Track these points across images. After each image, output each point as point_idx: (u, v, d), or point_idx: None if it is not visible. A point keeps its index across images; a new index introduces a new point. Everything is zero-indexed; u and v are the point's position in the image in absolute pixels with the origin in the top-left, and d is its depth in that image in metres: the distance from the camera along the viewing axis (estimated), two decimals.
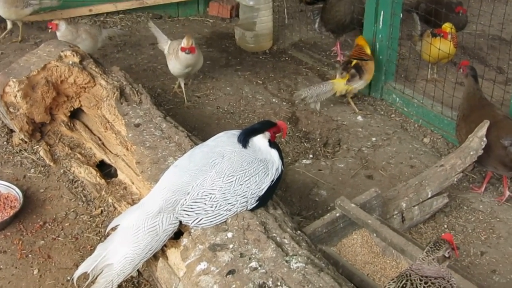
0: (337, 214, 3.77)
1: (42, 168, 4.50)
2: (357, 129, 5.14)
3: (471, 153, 4.27)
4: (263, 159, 3.47)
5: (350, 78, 5.30)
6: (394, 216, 4.01)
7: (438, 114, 5.11)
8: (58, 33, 5.32)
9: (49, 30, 5.47)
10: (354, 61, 5.34)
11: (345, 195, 3.96)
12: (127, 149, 4.26)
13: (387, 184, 4.49)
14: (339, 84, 5.32)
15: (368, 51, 5.35)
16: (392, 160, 4.80)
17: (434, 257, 2.80)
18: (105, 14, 7.04)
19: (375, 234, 3.67)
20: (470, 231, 4.15)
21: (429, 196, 4.16)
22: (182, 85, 5.35)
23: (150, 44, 6.46)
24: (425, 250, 2.83)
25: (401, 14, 5.47)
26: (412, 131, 5.17)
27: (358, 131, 5.12)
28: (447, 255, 2.82)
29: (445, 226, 4.16)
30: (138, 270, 3.52)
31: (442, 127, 5.08)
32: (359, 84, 5.36)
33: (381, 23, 5.41)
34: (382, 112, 5.41)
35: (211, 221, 3.36)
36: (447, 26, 5.46)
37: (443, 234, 3.73)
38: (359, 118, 5.29)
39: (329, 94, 5.34)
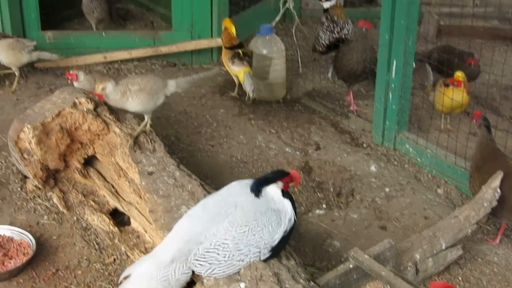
0: (351, 266, 3.74)
1: (56, 215, 4.51)
2: (370, 179, 5.13)
3: (485, 204, 4.25)
4: (276, 209, 3.46)
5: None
6: (408, 268, 3.98)
7: (451, 164, 5.10)
8: (75, 83, 5.31)
9: (69, 81, 5.44)
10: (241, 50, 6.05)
11: (358, 246, 3.94)
12: (140, 197, 4.26)
13: (401, 235, 4.46)
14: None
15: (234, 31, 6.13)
16: (405, 211, 4.78)
17: None
18: (119, 61, 7.08)
19: (389, 286, 3.64)
20: (485, 283, 4.11)
21: (443, 247, 4.13)
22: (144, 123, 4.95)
23: None
24: None
25: (414, 64, 5.48)
26: (426, 182, 5.16)
27: (371, 181, 5.11)
28: None
29: (460, 278, 4.12)
30: None
31: (456, 178, 5.06)
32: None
33: (393, 73, 5.42)
34: (396, 163, 5.40)
35: (224, 271, 3.35)
36: (459, 75, 5.47)
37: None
38: (373, 168, 5.28)
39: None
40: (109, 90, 4.55)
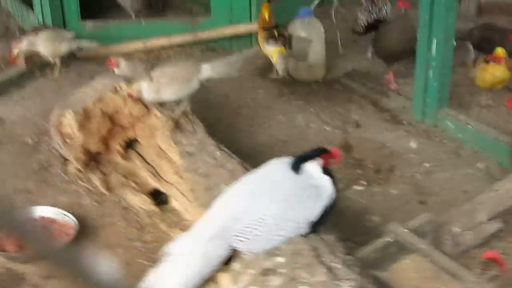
0: (389, 239, 3.75)
1: (97, 196, 4.58)
2: (410, 155, 5.12)
3: None
4: (315, 185, 3.47)
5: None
6: (447, 241, 3.97)
7: (492, 139, 5.06)
8: (116, 71, 5.35)
9: (110, 69, 5.48)
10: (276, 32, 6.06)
11: (397, 221, 3.94)
12: (181, 177, 4.30)
13: (440, 210, 4.43)
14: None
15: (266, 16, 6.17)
16: (445, 185, 4.76)
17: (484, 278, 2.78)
18: (159, 48, 7.12)
19: (427, 259, 3.63)
20: None
21: (483, 221, 4.11)
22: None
23: None
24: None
25: (454, 42, 5.45)
26: (466, 157, 5.12)
27: (411, 157, 5.09)
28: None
29: (500, 251, 4.09)
30: None
31: (497, 153, 5.02)
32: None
33: (434, 51, 5.38)
34: (436, 139, 5.37)
35: (263, 246, 3.36)
36: (500, 51, 5.43)
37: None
38: (412, 144, 5.26)
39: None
40: (144, 91, 4.54)
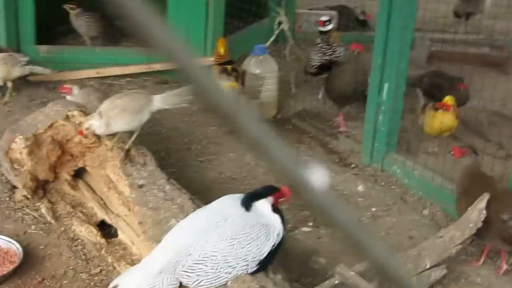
0: (336, 282, 3.78)
1: (43, 225, 4.52)
2: (357, 199, 5.17)
3: (470, 225, 4.28)
4: (265, 223, 3.50)
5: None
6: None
7: (438, 186, 5.14)
8: (69, 97, 5.33)
9: (62, 95, 5.46)
10: (229, 67, 6.14)
11: (344, 263, 3.97)
12: (129, 209, 4.29)
13: None
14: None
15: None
16: (391, 230, 4.82)
17: None
18: (112, 77, 7.12)
19: None
20: None
21: (428, 267, 4.16)
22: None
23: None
24: None
25: (404, 88, 5.54)
26: (412, 203, 5.20)
27: (358, 201, 5.15)
28: None
29: None
30: None
31: (442, 200, 5.09)
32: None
33: (385, 95, 5.47)
34: (383, 183, 5.44)
35: (211, 283, 3.38)
36: (449, 99, 5.54)
37: None
38: (360, 188, 5.32)
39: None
40: (95, 127, 4.47)
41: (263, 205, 3.57)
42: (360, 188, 5.34)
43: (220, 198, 3.67)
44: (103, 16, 7.49)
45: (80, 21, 7.49)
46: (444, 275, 4.27)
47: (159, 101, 4.73)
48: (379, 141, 5.57)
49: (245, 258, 3.41)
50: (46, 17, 7.27)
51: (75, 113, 4.83)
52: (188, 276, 3.37)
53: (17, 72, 6.35)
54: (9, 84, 6.39)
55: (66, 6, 7.41)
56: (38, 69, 6.56)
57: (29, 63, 6.46)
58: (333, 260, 4.40)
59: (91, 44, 7.59)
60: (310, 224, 4.89)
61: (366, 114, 5.69)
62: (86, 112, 4.85)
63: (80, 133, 4.58)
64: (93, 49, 7.41)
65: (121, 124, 4.56)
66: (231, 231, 3.42)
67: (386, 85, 5.45)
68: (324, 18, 6.89)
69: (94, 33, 7.58)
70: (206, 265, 3.36)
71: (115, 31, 7.97)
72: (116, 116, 4.51)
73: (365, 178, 5.49)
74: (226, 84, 6.06)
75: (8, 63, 6.27)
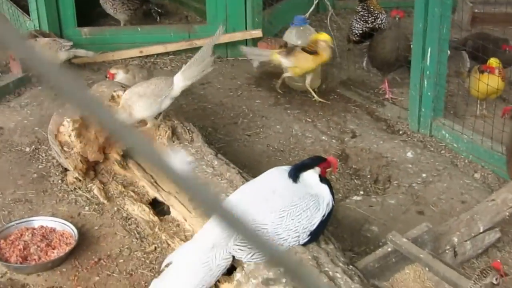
0: (389, 249, 3.77)
1: (96, 206, 4.59)
2: (407, 165, 5.14)
3: None
4: (314, 194, 3.51)
5: (281, 52, 6.03)
6: (446, 251, 4.00)
7: (488, 149, 5.10)
8: (114, 81, 5.38)
9: (107, 79, 5.51)
10: (301, 47, 6.01)
11: (396, 230, 3.96)
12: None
13: (438, 220, 4.47)
14: (274, 53, 6.09)
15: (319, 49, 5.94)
16: (443, 196, 4.78)
17: (481, 285, 2.81)
18: (155, 56, 7.16)
19: (427, 269, 3.66)
20: None
21: (481, 230, 4.13)
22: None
23: (200, 84, 6.55)
24: (473, 278, 2.84)
25: (449, 51, 5.48)
26: (463, 167, 5.15)
27: (408, 168, 5.12)
28: (495, 282, 2.83)
29: (498, 260, 4.11)
30: None
31: (493, 162, 5.05)
32: (283, 60, 6.02)
33: (428, 60, 5.42)
34: (432, 149, 5.40)
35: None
36: (494, 61, 5.47)
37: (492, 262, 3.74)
38: (409, 154, 5.28)
39: (265, 58, 6.18)
40: (118, 76, 4.55)
41: (311, 176, 3.57)
42: (409, 154, 5.31)
43: (268, 171, 3.68)
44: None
45: (107, 5, 7.60)
46: (499, 238, 4.25)
47: (180, 80, 4.73)
48: (426, 106, 5.52)
49: (296, 230, 3.42)
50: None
51: (120, 93, 4.87)
52: (240, 250, 3.39)
53: (62, 56, 6.41)
54: None
55: None
56: (81, 52, 6.61)
57: (72, 46, 6.50)
58: (385, 228, 4.41)
59: (130, 24, 7.65)
60: (361, 192, 4.88)
61: (411, 80, 5.64)
62: None
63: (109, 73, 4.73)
64: (134, 28, 7.43)
65: (141, 110, 4.59)
66: (280, 204, 3.43)
67: (429, 50, 5.39)
68: None
69: (122, 16, 7.65)
70: None
71: (147, 12, 8.01)
72: (134, 103, 4.54)
73: (414, 144, 5.45)
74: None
75: (53, 48, 6.33)
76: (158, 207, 4.57)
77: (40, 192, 4.78)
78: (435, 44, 5.35)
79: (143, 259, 4.13)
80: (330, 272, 3.30)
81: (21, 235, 4.28)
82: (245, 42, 7.28)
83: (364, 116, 5.92)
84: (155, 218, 4.39)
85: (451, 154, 5.31)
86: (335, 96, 6.26)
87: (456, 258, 4.04)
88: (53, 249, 4.17)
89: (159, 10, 8.06)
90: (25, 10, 7.29)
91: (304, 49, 5.95)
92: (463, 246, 4.07)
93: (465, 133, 5.31)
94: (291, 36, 6.54)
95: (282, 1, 8.00)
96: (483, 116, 5.64)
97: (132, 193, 4.63)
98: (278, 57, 6.04)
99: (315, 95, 5.99)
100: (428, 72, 5.45)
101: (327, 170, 3.68)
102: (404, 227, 4.38)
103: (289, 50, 6.05)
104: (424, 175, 5.03)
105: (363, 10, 6.76)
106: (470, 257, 4.13)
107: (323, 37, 5.93)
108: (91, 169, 4.78)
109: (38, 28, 6.94)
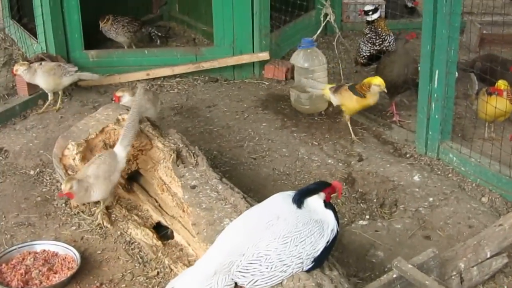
0: (394, 275, 3.71)
1: (99, 230, 4.56)
2: (414, 189, 5.09)
3: None
4: (318, 220, 3.47)
5: (331, 88, 5.92)
6: (453, 277, 3.94)
7: (496, 173, 5.04)
8: (120, 104, 5.36)
9: (113, 101, 5.50)
10: (349, 85, 5.88)
11: (402, 256, 3.91)
12: (183, 211, 4.29)
13: (445, 245, 4.41)
14: (327, 88, 5.97)
15: (369, 93, 5.74)
16: (449, 220, 4.73)
17: None
18: (162, 78, 7.15)
19: None
20: None
21: (488, 256, 4.07)
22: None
23: (207, 107, 6.55)
24: None
25: (457, 73, 5.44)
26: (470, 191, 5.10)
27: (415, 191, 5.07)
28: None
29: (505, 287, 4.07)
30: None
31: (501, 186, 4.99)
32: (332, 97, 5.94)
33: (436, 83, 5.38)
34: (439, 172, 5.35)
35: (266, 282, 3.35)
36: (502, 83, 5.43)
37: None
38: (416, 178, 5.23)
39: (319, 92, 6.06)
40: (75, 188, 4.35)
41: (315, 201, 3.53)
42: (416, 178, 5.26)
43: (272, 196, 3.64)
44: (130, 22, 7.76)
45: (112, 29, 7.71)
46: (506, 264, 4.18)
47: (121, 151, 4.62)
48: (433, 129, 5.48)
49: (300, 256, 3.37)
50: (92, 22, 7.33)
51: (125, 116, 4.85)
52: (243, 276, 3.35)
53: (66, 81, 6.42)
54: (60, 92, 6.46)
55: (103, 23, 7.70)
56: (87, 75, 6.62)
57: (77, 71, 6.50)
58: (391, 253, 4.36)
59: (128, 47, 7.69)
60: (367, 217, 4.84)
61: (418, 102, 5.60)
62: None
63: (64, 194, 4.41)
64: (141, 50, 7.43)
65: (99, 193, 4.48)
66: (284, 230, 3.39)
67: (436, 72, 5.36)
68: (367, 8, 6.84)
69: (123, 38, 7.75)
70: (260, 265, 3.33)
71: (147, 35, 8.02)
72: (92, 186, 4.42)
73: (421, 167, 5.40)
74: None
75: (57, 73, 6.33)
76: (161, 232, 4.55)
77: (44, 215, 4.76)
78: (443, 66, 5.31)
79: (145, 284, 4.09)
80: None
81: (23, 259, 4.27)
82: (252, 64, 7.28)
83: (371, 139, 5.87)
84: (159, 243, 4.36)
85: (458, 178, 5.26)
86: (342, 119, 6.22)
87: (463, 285, 3.99)
88: (55, 273, 4.14)
89: (159, 34, 8.05)
90: (33, 33, 7.31)
91: (351, 88, 5.79)
92: (470, 272, 4.01)
93: (472, 156, 5.27)
94: (298, 59, 6.53)
95: (290, 23, 8.01)
96: (491, 139, 5.60)
97: (135, 217, 4.61)
98: (328, 93, 5.95)
99: (352, 134, 5.80)
100: (435, 95, 5.41)
101: (332, 195, 3.64)
102: (410, 252, 4.33)
103: (337, 87, 5.92)
104: (431, 199, 4.98)
105: (371, 32, 6.76)
106: (477, 283, 4.07)
107: (378, 81, 5.70)
108: None
109: (45, 51, 6.95)
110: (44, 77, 6.28)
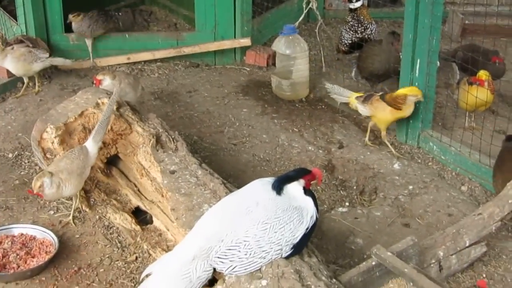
0: (373, 263, 3.71)
1: (78, 214, 4.53)
2: (393, 177, 5.10)
3: (510, 201, 4.19)
4: (297, 206, 3.46)
5: (359, 97, 5.52)
6: (432, 265, 3.95)
7: (475, 162, 5.06)
8: (101, 87, 5.30)
9: (93, 85, 5.44)
10: (380, 94, 5.50)
11: (381, 243, 3.92)
12: (162, 196, 4.27)
13: (424, 233, 4.42)
14: (353, 96, 5.57)
15: (405, 105, 5.34)
16: (429, 208, 4.74)
17: None
18: (142, 62, 7.11)
19: (411, 283, 3.60)
20: (509, 280, 4.05)
21: (467, 245, 4.08)
22: None
23: (187, 92, 6.52)
24: None
25: (438, 63, 5.45)
26: (450, 179, 5.11)
27: (395, 179, 5.07)
28: None
29: (484, 275, 4.07)
30: None
31: (480, 175, 5.01)
32: (360, 107, 5.51)
33: (417, 72, 5.39)
34: (419, 160, 5.36)
35: (245, 269, 3.34)
36: (483, 74, 5.43)
37: (478, 280, 3.70)
38: (396, 166, 5.24)
39: (344, 100, 5.66)
40: (47, 186, 4.23)
41: (295, 188, 3.52)
42: (396, 166, 5.26)
43: (251, 183, 3.62)
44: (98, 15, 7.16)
45: (84, 25, 7.06)
46: (485, 252, 4.19)
47: (93, 146, 4.53)
48: (414, 118, 5.48)
49: (279, 243, 3.36)
50: (73, 5, 7.25)
51: (105, 100, 4.82)
52: (221, 262, 3.33)
53: (37, 67, 6.34)
54: (36, 76, 6.40)
55: (73, 17, 7.02)
56: (58, 60, 6.55)
57: (49, 57, 6.43)
58: (370, 240, 4.36)
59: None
60: (347, 204, 4.84)
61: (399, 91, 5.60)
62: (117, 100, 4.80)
63: (35, 193, 4.29)
64: (123, 35, 7.36)
65: (71, 188, 4.35)
66: (263, 216, 3.37)
67: (418, 61, 5.36)
68: None
69: (94, 32, 7.13)
70: (239, 251, 3.32)
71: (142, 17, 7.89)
72: (65, 181, 4.30)
73: (401, 155, 5.40)
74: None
75: (27, 59, 6.26)
76: (140, 216, 4.52)
77: (21, 199, 4.73)
78: (425, 56, 5.32)
79: (124, 268, 4.08)
80: (313, 286, 3.25)
81: (0, 242, 4.24)
82: (234, 50, 7.25)
83: (352, 127, 5.87)
84: (137, 227, 4.35)
85: (438, 166, 5.28)
86: (323, 106, 6.22)
87: (442, 272, 3.99)
88: (33, 257, 4.12)
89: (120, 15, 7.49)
90: (12, 15, 7.23)
91: (383, 98, 5.41)
92: (449, 260, 4.02)
93: (453, 145, 5.28)
94: (280, 45, 6.50)
95: (272, 10, 7.97)
96: (472, 128, 5.61)
97: (114, 202, 4.59)
98: (355, 102, 5.55)
99: (392, 149, 5.49)
100: (417, 84, 5.41)
101: (312, 182, 3.63)
102: (389, 239, 4.34)
103: (367, 96, 5.53)
104: (410, 187, 4.99)
105: (353, 20, 6.74)
106: (456, 271, 4.08)
107: (415, 92, 5.33)
108: None
109: (25, 33, 6.88)
110: (13, 63, 6.22)
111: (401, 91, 5.39)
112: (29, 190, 4.36)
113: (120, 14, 7.49)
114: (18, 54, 6.23)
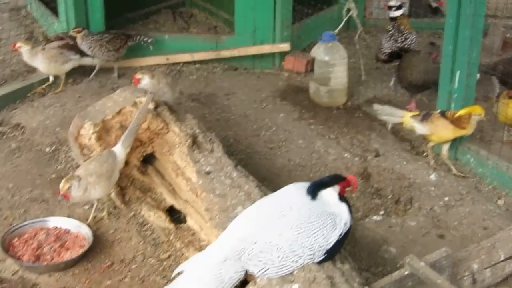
0: (406, 272, 3.69)
1: (113, 210, 4.56)
2: (429, 188, 5.06)
3: None
4: (331, 212, 3.44)
5: (416, 116, 5.31)
6: (465, 278, 3.91)
7: None
8: (139, 86, 5.32)
9: (132, 84, 5.46)
10: (439, 112, 5.30)
11: (415, 253, 3.88)
12: (197, 196, 4.28)
13: (459, 245, 4.39)
14: (407, 116, 5.36)
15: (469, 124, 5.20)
16: (464, 220, 4.70)
17: None
18: (181, 64, 7.13)
19: None
20: None
21: (502, 259, 4.04)
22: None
23: (225, 94, 6.53)
24: None
25: (478, 75, 5.41)
26: (486, 193, 5.07)
27: (430, 190, 5.04)
28: None
29: None
30: None
31: None
32: (418, 126, 5.29)
33: (456, 84, 5.35)
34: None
35: (277, 272, 3.33)
36: None
37: None
38: (432, 177, 5.20)
39: (397, 120, 5.45)
40: (74, 188, 4.26)
41: (330, 194, 3.50)
42: (433, 177, 5.22)
43: (286, 187, 3.61)
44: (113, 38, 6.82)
45: (84, 46, 6.67)
46: None
47: (121, 151, 4.55)
48: None
49: (311, 247, 3.35)
50: (114, 4, 7.30)
51: (143, 99, 4.84)
52: (254, 264, 3.33)
53: (67, 67, 6.45)
54: (62, 77, 6.47)
55: (73, 32, 6.69)
56: (87, 60, 6.61)
57: (81, 57, 6.54)
58: (404, 250, 4.34)
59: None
60: (381, 212, 4.81)
61: (438, 102, 5.57)
62: (154, 98, 4.82)
63: (62, 194, 4.32)
64: (162, 35, 7.39)
65: (100, 191, 4.38)
66: (296, 220, 3.36)
67: (457, 73, 5.33)
68: (391, 3, 6.79)
69: (101, 58, 6.76)
70: (272, 254, 3.31)
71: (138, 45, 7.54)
72: (95, 184, 4.33)
73: (438, 166, 5.36)
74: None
75: (59, 61, 6.35)
76: (174, 215, 4.54)
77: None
78: (464, 68, 5.28)
79: (156, 266, 4.10)
80: None
81: (35, 234, 4.29)
82: (273, 55, 7.26)
83: (389, 136, 5.84)
84: (171, 226, 4.37)
85: (475, 179, 5.23)
86: (360, 114, 6.19)
87: (475, 286, 3.96)
88: (67, 250, 4.17)
89: (149, 40, 7.09)
90: (54, 11, 7.30)
91: (444, 115, 5.24)
92: (483, 274, 3.98)
93: (490, 158, 5.23)
94: (319, 52, 6.49)
95: (312, 16, 7.97)
96: (510, 142, 5.56)
97: (149, 199, 4.62)
98: (410, 122, 5.34)
99: (453, 169, 5.33)
100: (455, 95, 5.38)
101: (347, 189, 3.62)
102: (423, 250, 4.31)
103: (426, 114, 5.33)
104: (446, 198, 4.95)
105: (394, 29, 6.71)
106: (489, 285, 4.03)
107: (479, 111, 5.15)
108: None
109: (65, 31, 6.93)
110: (44, 63, 6.33)
111: (465, 110, 5.23)
112: (56, 191, 4.40)
113: (150, 40, 7.08)
114: (49, 56, 6.31)
